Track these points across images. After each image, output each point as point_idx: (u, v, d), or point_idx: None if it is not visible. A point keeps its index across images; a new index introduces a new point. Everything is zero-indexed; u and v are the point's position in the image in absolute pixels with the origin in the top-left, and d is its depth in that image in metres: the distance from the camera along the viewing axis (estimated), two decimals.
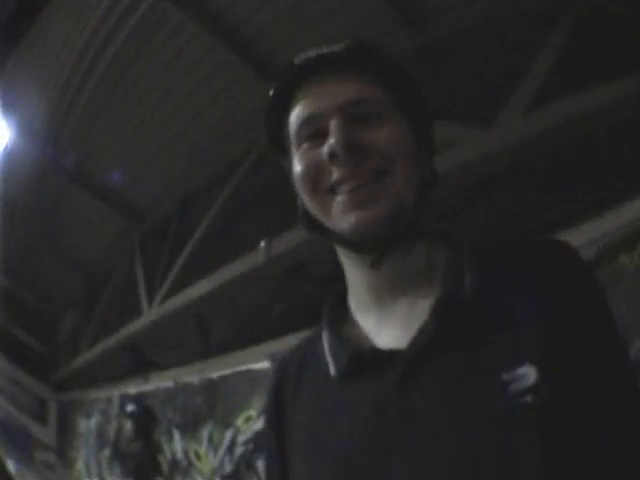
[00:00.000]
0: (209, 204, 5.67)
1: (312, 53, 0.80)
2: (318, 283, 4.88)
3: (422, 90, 0.87)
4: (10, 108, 6.83)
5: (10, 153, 7.32)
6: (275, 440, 0.89)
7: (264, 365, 5.25)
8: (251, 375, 5.46)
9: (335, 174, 0.77)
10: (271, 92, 0.84)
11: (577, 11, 3.66)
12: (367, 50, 0.82)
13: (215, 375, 5.92)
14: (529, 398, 0.64)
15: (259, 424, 5.19)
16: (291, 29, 4.75)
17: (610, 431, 0.66)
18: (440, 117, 4.09)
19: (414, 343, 0.73)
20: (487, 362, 0.69)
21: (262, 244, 4.62)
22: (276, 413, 0.90)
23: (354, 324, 0.85)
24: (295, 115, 0.82)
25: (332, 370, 0.80)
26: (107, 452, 8.62)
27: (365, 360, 0.77)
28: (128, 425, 4.94)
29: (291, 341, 4.92)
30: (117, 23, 5.22)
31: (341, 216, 0.77)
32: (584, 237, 3.32)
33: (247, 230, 5.26)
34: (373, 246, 0.78)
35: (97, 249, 8.40)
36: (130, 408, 5.07)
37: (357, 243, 0.78)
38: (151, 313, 6.12)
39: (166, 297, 5.88)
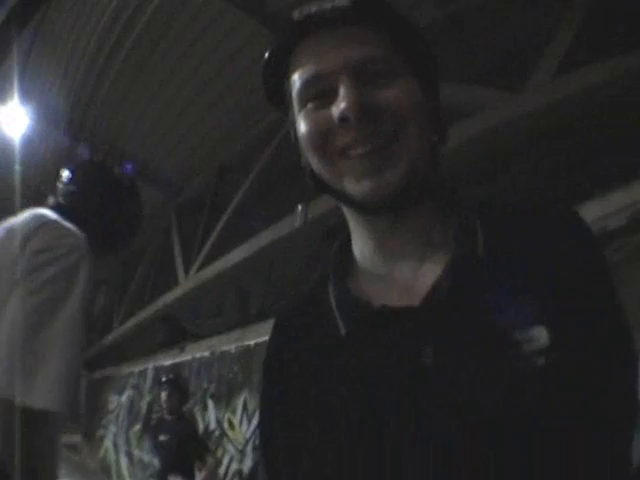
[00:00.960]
0: (245, 174, 5.74)
1: (314, 8, 0.75)
2: None
3: (429, 46, 0.82)
4: (30, 92, 6.82)
5: (31, 137, 7.32)
6: (277, 394, 0.85)
7: None
8: None
9: (346, 137, 0.73)
10: (269, 48, 0.79)
11: None
12: (374, 3, 0.76)
13: (252, 342, 5.96)
14: (542, 359, 0.64)
15: None
16: None
17: (607, 395, 0.65)
18: (470, 82, 4.17)
19: (428, 299, 0.72)
20: (501, 321, 0.67)
21: (299, 208, 4.68)
22: (278, 367, 0.87)
23: (360, 278, 0.83)
24: (298, 73, 0.77)
25: (341, 328, 0.77)
26: (138, 427, 8.72)
27: (376, 318, 0.75)
28: (162, 395, 4.98)
29: None
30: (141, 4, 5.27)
31: (354, 181, 0.74)
32: (613, 206, 3.33)
33: (282, 198, 5.30)
34: (387, 210, 0.76)
35: None
36: (165, 377, 5.13)
37: (371, 208, 0.76)
38: (188, 282, 6.22)
39: (203, 266, 5.97)
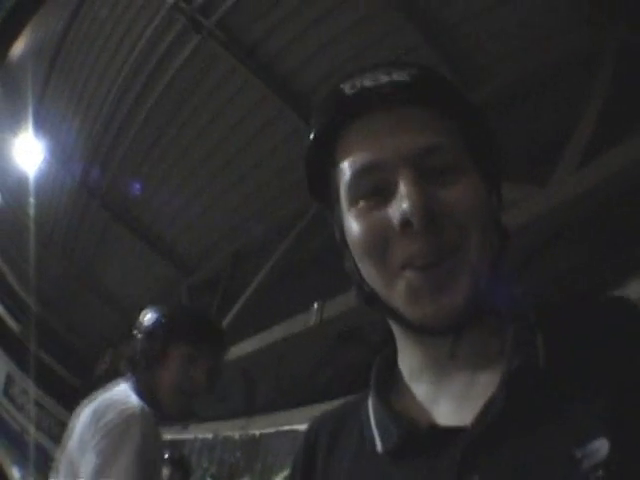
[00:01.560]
0: (261, 262, 5.68)
1: (367, 82, 0.67)
2: (369, 349, 4.85)
3: (494, 135, 0.75)
4: (46, 131, 6.93)
5: (46, 176, 7.40)
6: None
7: None
8: (294, 435, 5.37)
9: (408, 247, 0.64)
10: (314, 128, 0.71)
11: (616, 55, 3.68)
12: (436, 81, 0.70)
13: (257, 432, 5.89)
14: (600, 472, 0.56)
15: None
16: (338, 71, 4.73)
17: None
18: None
19: (479, 420, 0.63)
20: (559, 437, 0.60)
21: (315, 306, 4.60)
22: (303, 475, 0.80)
23: (404, 393, 0.74)
24: (349, 162, 0.68)
25: (379, 446, 0.69)
26: None
27: (420, 437, 0.67)
28: (165, 471, 4.91)
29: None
30: (167, 55, 5.25)
31: (413, 299, 0.65)
32: (633, 295, 3.26)
33: (298, 292, 5.26)
34: (447, 334, 0.67)
35: (141, 294, 8.41)
36: (169, 454, 5.05)
37: (430, 330, 0.66)
38: None
39: None
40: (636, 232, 3.62)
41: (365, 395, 0.78)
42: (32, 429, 10.74)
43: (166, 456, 4.94)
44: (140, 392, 1.90)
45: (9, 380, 10.82)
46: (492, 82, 4.40)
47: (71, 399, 9.22)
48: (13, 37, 5.65)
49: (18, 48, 5.74)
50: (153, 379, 1.95)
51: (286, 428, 5.52)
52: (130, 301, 8.76)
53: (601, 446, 0.57)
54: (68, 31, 5.87)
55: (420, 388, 0.73)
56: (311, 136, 0.71)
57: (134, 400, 1.84)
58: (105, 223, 7.47)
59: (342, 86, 0.68)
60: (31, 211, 8.08)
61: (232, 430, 6.34)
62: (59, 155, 7.10)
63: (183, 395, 1.98)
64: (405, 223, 0.62)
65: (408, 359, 0.75)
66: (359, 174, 0.67)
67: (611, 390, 0.61)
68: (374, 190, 0.66)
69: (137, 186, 6.72)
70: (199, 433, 6.97)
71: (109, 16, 5.43)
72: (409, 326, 0.68)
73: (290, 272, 5.57)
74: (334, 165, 0.71)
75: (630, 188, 3.27)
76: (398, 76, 0.66)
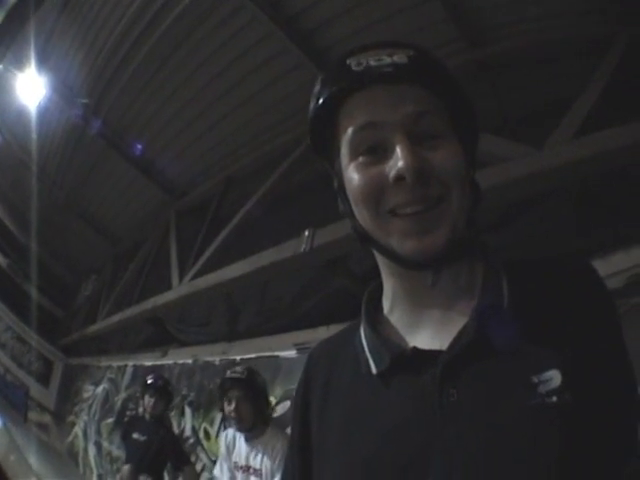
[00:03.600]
0: (251, 190, 5.68)
1: (372, 61, 0.79)
2: (353, 279, 4.91)
3: (474, 107, 0.87)
4: (49, 67, 6.85)
5: (46, 111, 7.34)
6: (299, 431, 0.93)
7: (290, 353, 5.26)
8: (275, 362, 5.46)
9: (398, 197, 0.77)
10: (322, 95, 0.83)
11: (628, 39, 3.73)
12: (429, 62, 0.82)
13: (238, 357, 5.91)
14: (554, 398, 0.70)
15: (278, 411, 5.21)
16: (350, 26, 4.76)
17: (617, 432, 0.73)
18: (492, 133, 4.17)
19: (455, 344, 0.78)
20: (519, 365, 0.74)
21: (306, 233, 4.64)
22: (303, 404, 0.93)
23: (388, 323, 0.88)
24: (351, 123, 0.81)
25: (373, 368, 0.83)
26: (110, 420, 8.66)
27: (406, 359, 0.81)
28: (147, 397, 4.88)
29: (321, 333, 4.94)
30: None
31: (401, 240, 0.78)
32: (613, 267, 3.37)
33: (289, 219, 5.27)
34: (429, 267, 0.80)
35: (128, 219, 8.43)
36: (152, 380, 5.03)
37: (415, 264, 0.79)
38: (181, 288, 6.14)
39: (198, 274, 5.91)
40: (622, 208, 3.74)
41: (356, 325, 0.92)
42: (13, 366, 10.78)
43: (149, 382, 4.95)
44: None
45: None
46: (499, 43, 4.40)
47: (53, 329, 9.36)
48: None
49: None
50: None
51: (267, 354, 5.58)
52: (118, 227, 8.80)
53: (554, 376, 0.72)
54: None
55: (404, 318, 0.87)
56: (319, 102, 0.83)
57: None
58: (99, 151, 7.44)
59: (349, 62, 0.80)
60: (32, 147, 8.08)
61: (212, 355, 6.35)
62: (60, 90, 7.03)
63: None
64: (399, 178, 0.76)
65: (391, 291, 0.89)
66: (360, 132, 0.80)
67: (565, 334, 0.76)
68: (371, 148, 0.79)
69: (135, 113, 6.70)
70: (178, 358, 7.00)
71: None
72: (398, 261, 0.81)
73: (282, 200, 5.57)
74: (336, 126, 0.84)
75: (621, 167, 3.41)
76: (399, 58, 0.78)
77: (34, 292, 11.17)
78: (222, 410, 3.74)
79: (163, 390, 4.89)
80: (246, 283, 5.51)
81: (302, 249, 4.65)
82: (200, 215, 6.69)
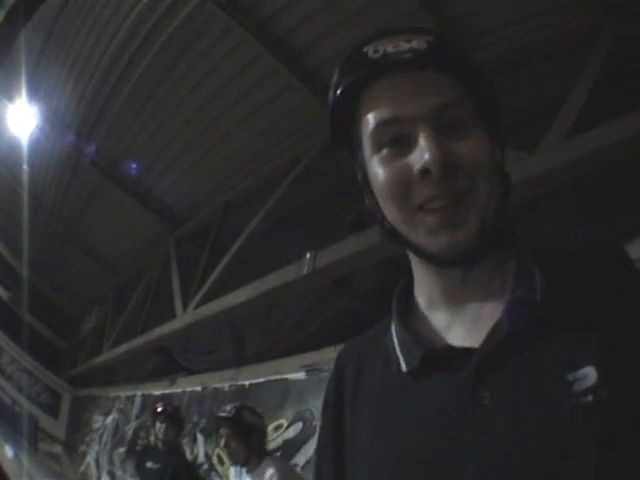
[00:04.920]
0: (252, 213, 5.69)
1: (390, 48, 0.75)
2: (358, 298, 4.91)
3: (494, 89, 0.85)
4: (40, 97, 6.86)
5: (38, 141, 7.35)
6: (331, 435, 0.90)
7: (299, 375, 5.26)
8: (285, 384, 5.46)
9: (426, 190, 0.74)
10: (340, 85, 0.80)
11: (611, 37, 3.73)
12: (450, 48, 0.78)
13: (247, 382, 5.93)
14: (590, 397, 0.67)
15: (290, 433, 5.21)
16: (339, 44, 4.72)
17: None
18: None
19: (488, 341, 0.75)
20: (554, 362, 0.71)
21: (308, 255, 4.63)
22: (333, 408, 0.91)
23: (423, 320, 0.85)
24: (373, 115, 0.77)
25: (403, 366, 0.81)
26: (122, 450, 8.66)
27: (438, 357, 0.78)
28: (158, 424, 4.88)
29: (328, 354, 4.94)
30: (162, 19, 5.20)
31: (430, 235, 0.76)
32: None
33: (290, 242, 5.28)
34: (459, 264, 0.78)
35: (128, 248, 8.42)
36: (162, 407, 5.03)
37: (445, 261, 0.77)
38: (185, 317, 6.14)
39: (202, 302, 5.90)
40: (617, 205, 3.74)
41: (387, 323, 0.89)
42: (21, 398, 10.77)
43: (159, 409, 4.95)
44: None
45: None
46: (486, 50, 4.37)
47: (59, 361, 9.34)
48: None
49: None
50: None
51: (276, 377, 5.57)
52: (117, 257, 8.79)
53: (589, 373, 0.68)
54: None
55: (436, 315, 0.84)
56: (338, 92, 0.80)
57: None
58: (94, 182, 7.45)
59: (365, 49, 0.77)
60: (24, 178, 8.09)
61: (221, 382, 6.35)
62: (51, 120, 7.04)
63: None
64: (425, 171, 0.73)
65: (425, 288, 0.86)
66: (383, 125, 0.76)
67: (600, 326, 0.72)
68: (395, 140, 0.76)
69: (128, 142, 6.72)
70: (187, 386, 7.00)
71: None
72: (428, 258, 0.79)
73: (281, 222, 5.58)
74: (357, 117, 0.80)
75: (613, 164, 3.40)
76: (417, 44, 0.75)
77: (38, 324, 11.18)
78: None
79: (173, 416, 4.88)
80: (250, 308, 5.51)
81: (305, 271, 4.65)
82: (200, 242, 6.68)
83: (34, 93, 6.84)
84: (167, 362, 7.40)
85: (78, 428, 11.00)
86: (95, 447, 9.92)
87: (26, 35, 6.16)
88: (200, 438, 6.64)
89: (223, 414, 3.80)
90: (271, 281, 5.04)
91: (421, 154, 0.73)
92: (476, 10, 4.25)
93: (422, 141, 0.73)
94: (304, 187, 5.37)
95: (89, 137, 6.91)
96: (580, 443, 0.66)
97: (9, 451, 9.27)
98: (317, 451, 0.96)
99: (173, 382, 7.28)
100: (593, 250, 0.84)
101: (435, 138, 0.73)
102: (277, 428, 5.45)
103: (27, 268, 9.81)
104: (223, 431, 3.72)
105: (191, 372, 7.06)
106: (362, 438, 0.83)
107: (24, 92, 6.80)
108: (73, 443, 11.00)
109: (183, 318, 6.21)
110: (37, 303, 10.88)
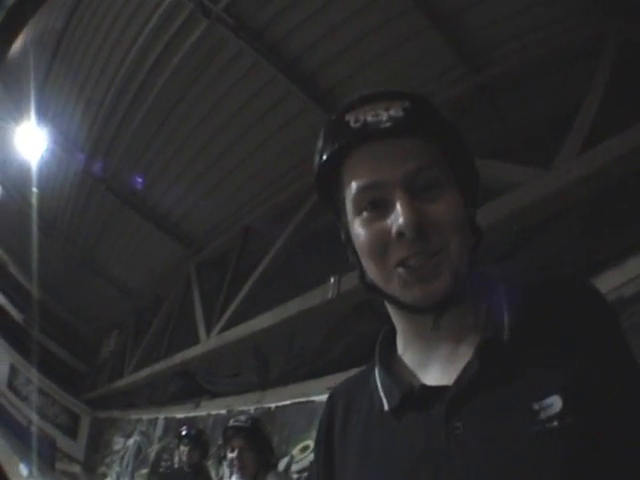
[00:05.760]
0: (272, 238, 5.75)
1: (369, 117, 0.82)
2: (381, 320, 4.96)
3: (471, 151, 0.92)
4: (48, 119, 6.94)
5: (49, 164, 7.42)
6: (322, 463, 0.98)
7: (325, 397, 5.30)
8: (311, 406, 5.47)
9: (401, 250, 0.82)
10: (325, 152, 0.87)
11: (617, 42, 3.79)
12: (425, 113, 0.85)
13: (273, 405, 5.95)
14: (555, 423, 0.74)
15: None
16: (351, 64, 4.85)
17: (627, 451, 0.75)
18: (499, 158, 4.22)
19: (460, 379, 0.82)
20: (521, 394, 0.77)
21: (332, 280, 4.69)
22: (325, 440, 0.99)
23: (402, 362, 0.93)
24: (355, 182, 0.85)
25: (386, 405, 0.88)
26: (144, 472, 8.70)
27: (415, 396, 0.86)
28: (183, 447, 4.92)
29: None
30: (173, 41, 5.28)
31: (406, 288, 0.83)
32: (629, 273, 3.45)
33: (312, 266, 5.31)
34: (431, 312, 0.86)
35: (146, 273, 8.46)
36: (186, 431, 5.07)
37: (418, 310, 0.85)
38: (209, 342, 6.21)
39: (226, 327, 5.98)
40: (636, 214, 3.80)
41: (372, 365, 0.97)
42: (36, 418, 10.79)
43: (183, 433, 4.99)
44: None
45: (13, 371, 10.83)
46: (496, 65, 4.46)
47: (77, 384, 9.34)
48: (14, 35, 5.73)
49: (20, 37, 5.77)
50: None
51: (301, 399, 5.61)
52: (136, 282, 8.84)
53: (555, 402, 0.75)
54: (71, 17, 5.86)
55: (414, 357, 0.92)
56: (323, 158, 0.87)
57: None
58: (110, 207, 7.50)
59: (347, 118, 0.84)
60: (34, 201, 8.13)
61: (246, 404, 6.36)
62: (62, 143, 7.09)
63: None
64: (400, 234, 0.81)
65: (402, 334, 0.95)
66: (362, 191, 0.84)
67: (566, 358, 0.79)
68: (374, 204, 0.84)
69: (143, 169, 6.79)
70: (211, 409, 7.02)
71: (114, 2, 5.48)
72: (403, 307, 0.87)
73: (303, 246, 5.64)
74: (340, 182, 0.89)
75: (630, 173, 3.43)
76: (395, 112, 0.82)
77: (55, 347, 11.23)
78: (224, 457, 3.68)
79: (197, 439, 4.91)
80: (275, 333, 5.57)
81: (330, 296, 4.70)
82: (220, 267, 6.75)
83: (43, 115, 6.88)
84: (189, 385, 7.44)
85: (97, 449, 10.99)
86: (116, 468, 9.91)
87: (33, 55, 6.23)
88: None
89: (238, 423, 3.66)
90: (296, 305, 5.11)
91: (396, 218, 0.81)
92: (485, 25, 4.33)
93: (397, 206, 0.81)
94: (325, 210, 5.43)
95: (103, 162, 6.97)
96: (547, 465, 0.73)
97: (24, 469, 9.33)
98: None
99: (197, 405, 7.32)
100: (561, 284, 0.90)
101: (409, 203, 0.81)
102: (304, 449, 5.47)
103: (37, 289, 9.86)
104: (237, 442, 3.51)
105: (214, 395, 7.10)
106: (349, 474, 0.90)
107: (32, 114, 6.84)
108: (92, 464, 11.00)
109: (207, 343, 6.28)
110: (55, 327, 10.96)
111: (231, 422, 3.77)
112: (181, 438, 4.94)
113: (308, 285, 5.02)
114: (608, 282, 3.46)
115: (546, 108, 4.41)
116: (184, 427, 5.17)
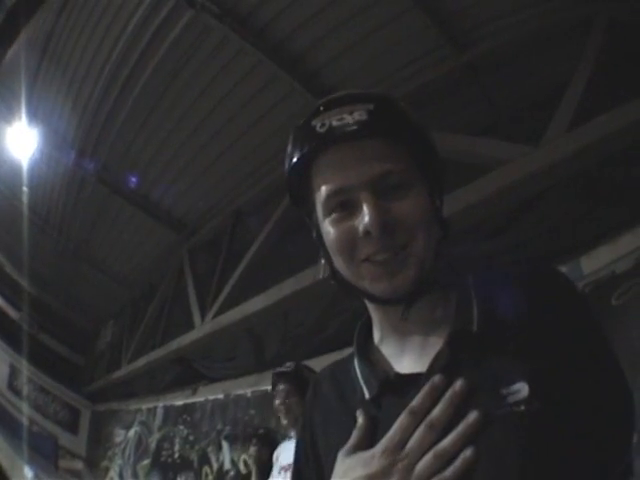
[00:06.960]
0: (263, 219, 5.74)
1: (335, 121, 0.86)
2: None
3: (437, 147, 0.95)
4: (39, 118, 6.89)
5: (41, 161, 7.39)
6: (309, 447, 1.01)
7: None
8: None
9: (368, 247, 0.86)
10: (293, 157, 0.91)
11: (607, 22, 3.77)
12: (389, 115, 0.88)
13: (269, 387, 5.91)
14: (522, 407, 0.77)
15: None
16: (337, 46, 4.83)
17: (589, 434, 0.78)
18: (487, 135, 4.19)
19: (432, 367, 0.86)
20: (489, 380, 0.81)
21: (322, 260, 4.66)
22: (310, 422, 1.03)
23: (378, 352, 0.97)
24: (323, 186, 0.89)
25: (366, 394, 0.92)
26: (146, 462, 8.74)
27: (392, 384, 0.90)
28: (252, 448, 4.84)
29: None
30: (158, 32, 5.27)
31: (373, 282, 0.87)
32: (621, 250, 3.48)
33: (304, 246, 5.29)
34: (400, 303, 0.90)
35: (140, 261, 8.45)
36: (253, 431, 5.04)
37: (386, 301, 0.90)
38: (204, 327, 6.20)
39: (220, 312, 5.96)
40: (624, 190, 3.77)
41: (352, 355, 1.01)
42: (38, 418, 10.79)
43: (280, 369, 4.90)
44: None
45: (13, 371, 10.83)
46: (485, 43, 4.44)
47: (76, 378, 9.32)
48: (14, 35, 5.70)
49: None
50: None
51: None
52: (130, 271, 8.82)
53: (522, 388, 0.79)
54: (59, 15, 5.84)
55: (388, 346, 0.97)
56: (292, 162, 0.91)
57: None
58: (102, 198, 7.48)
59: (314, 123, 0.88)
60: (25, 199, 8.12)
61: (243, 388, 6.42)
62: (53, 140, 7.06)
63: None
64: (367, 232, 0.84)
65: (377, 324, 0.99)
66: (331, 194, 0.88)
67: (534, 346, 0.83)
68: (342, 205, 0.88)
69: (133, 157, 6.75)
70: (209, 395, 7.05)
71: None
72: (373, 300, 0.93)
73: (295, 227, 5.61)
74: (310, 185, 0.93)
75: (617, 150, 3.45)
76: (359, 115, 0.85)
77: (52, 342, 11.22)
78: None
79: (265, 438, 4.77)
80: (269, 315, 5.56)
81: (321, 276, 4.68)
82: (213, 251, 6.74)
83: (33, 114, 6.86)
84: (187, 372, 7.45)
85: (99, 443, 11.02)
86: (118, 461, 9.95)
87: (24, 54, 6.19)
88: (225, 445, 6.71)
89: (282, 369, 3.74)
90: (289, 286, 5.11)
91: (363, 218, 0.84)
92: (470, 3, 4.29)
93: (364, 207, 0.85)
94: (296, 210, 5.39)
95: (93, 154, 6.94)
96: (510, 445, 0.76)
97: (29, 472, 9.34)
98: (296, 462, 1.08)
99: (195, 391, 7.34)
100: (529, 274, 0.93)
101: (374, 203, 0.85)
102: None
103: (32, 286, 9.87)
104: (281, 386, 3.60)
105: (212, 380, 7.11)
106: (333, 460, 0.92)
107: (23, 114, 6.82)
108: (94, 458, 11.03)
109: (202, 328, 6.27)
110: (50, 321, 10.94)
111: (277, 369, 3.84)
112: (248, 439, 4.96)
113: (301, 266, 5.03)
114: (600, 258, 3.55)
115: (534, 87, 4.40)
116: (251, 428, 5.16)
